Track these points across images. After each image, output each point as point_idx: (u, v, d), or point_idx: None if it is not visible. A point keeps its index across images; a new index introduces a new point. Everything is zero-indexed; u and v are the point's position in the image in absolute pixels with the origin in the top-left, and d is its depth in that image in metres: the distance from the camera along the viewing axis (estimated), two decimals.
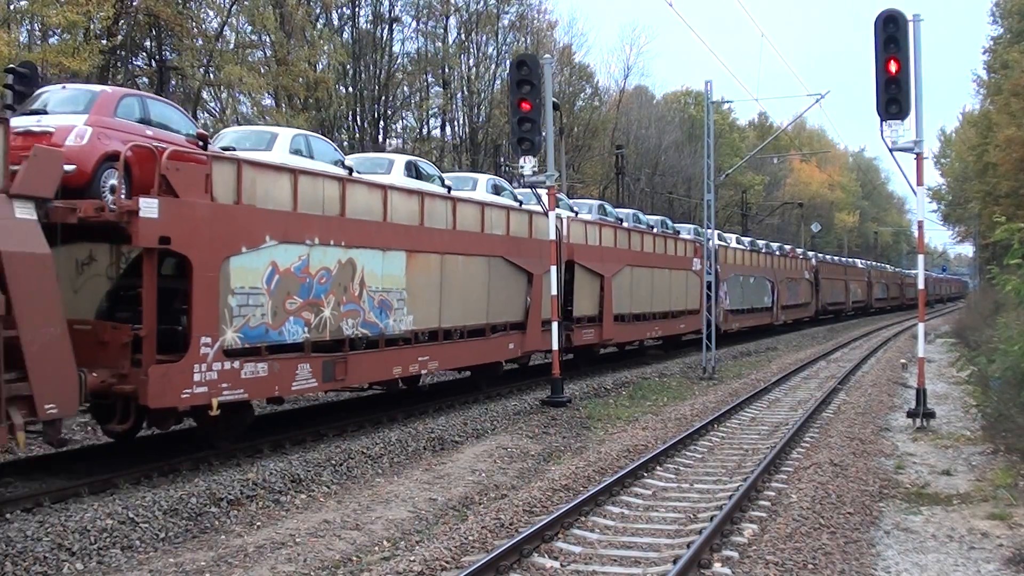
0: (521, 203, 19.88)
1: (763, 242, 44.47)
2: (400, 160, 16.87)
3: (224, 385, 11.11)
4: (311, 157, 14.05)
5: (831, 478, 10.86)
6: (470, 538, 8.45)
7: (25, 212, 8.97)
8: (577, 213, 22.98)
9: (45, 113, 11.01)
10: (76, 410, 9.67)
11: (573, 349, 22.16)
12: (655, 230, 28.26)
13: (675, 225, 32.85)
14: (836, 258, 62.85)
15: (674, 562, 7.63)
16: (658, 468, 11.85)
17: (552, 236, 18.43)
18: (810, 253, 53.43)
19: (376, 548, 8.77)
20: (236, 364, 11.33)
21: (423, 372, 15.99)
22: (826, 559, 7.81)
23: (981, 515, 9.46)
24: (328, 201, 13.09)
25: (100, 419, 11.46)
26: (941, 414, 16.18)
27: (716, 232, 34.81)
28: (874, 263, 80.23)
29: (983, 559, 8.04)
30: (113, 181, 10.60)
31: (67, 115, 10.86)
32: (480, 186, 19.50)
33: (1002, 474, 10.75)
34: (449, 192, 16.51)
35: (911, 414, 15.45)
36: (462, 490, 11.12)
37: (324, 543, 8.83)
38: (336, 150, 15.37)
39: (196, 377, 10.73)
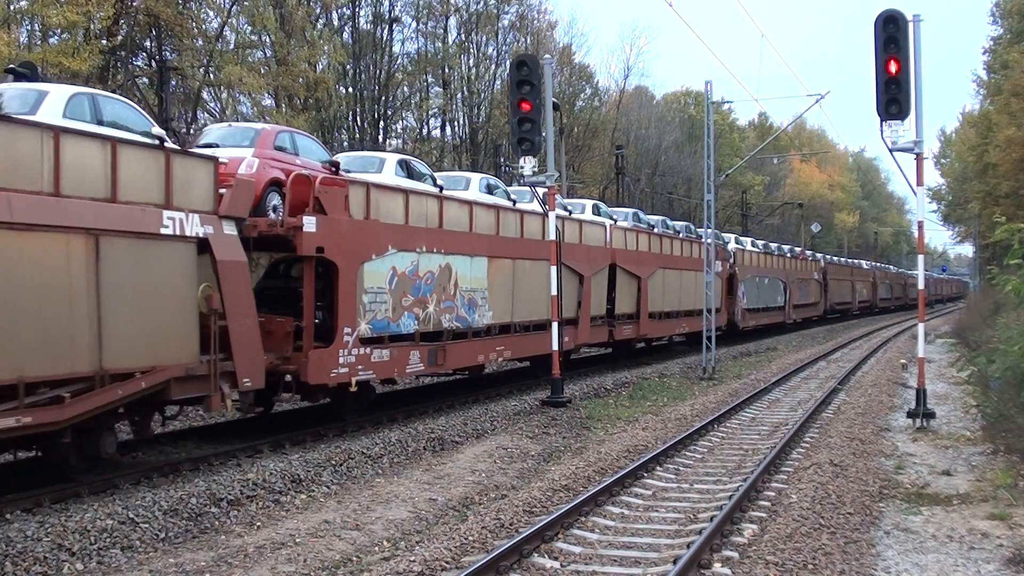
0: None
1: (775, 245, 46.82)
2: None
3: (360, 367, 13.78)
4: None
5: (831, 478, 10.86)
6: (470, 538, 8.45)
7: (230, 229, 11.52)
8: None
9: (217, 147, 13.20)
10: (262, 384, 11.93)
11: (614, 343, 24.73)
12: (680, 235, 30.84)
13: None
14: (843, 259, 65.36)
15: (674, 562, 7.63)
16: (658, 468, 11.85)
17: (552, 236, 18.46)
18: (819, 255, 55.39)
19: (376, 548, 8.77)
20: (367, 350, 13.99)
21: (499, 360, 18.44)
22: (826, 559, 7.81)
23: (981, 515, 9.46)
24: (429, 215, 15.77)
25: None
26: (941, 414, 16.18)
27: (733, 236, 39.56)
28: (878, 264, 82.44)
29: (983, 559, 8.04)
30: (276, 202, 13.12)
31: (236, 148, 13.21)
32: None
33: (1002, 474, 10.75)
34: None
35: (911, 414, 15.44)
36: (462, 490, 11.12)
37: (324, 543, 8.83)
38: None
39: (340, 360, 13.36)
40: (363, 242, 13.93)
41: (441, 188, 17.22)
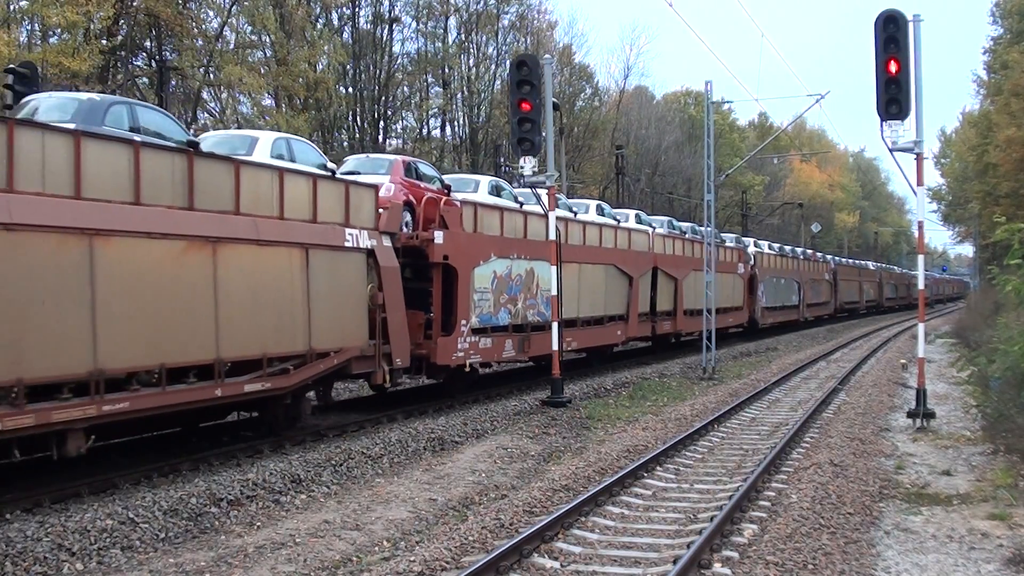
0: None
1: (789, 247, 50.06)
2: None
3: (471, 352, 16.99)
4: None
5: (831, 478, 10.86)
6: (470, 538, 8.45)
7: (387, 241, 14.69)
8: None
9: (358, 174, 16.13)
10: (408, 364, 15.13)
11: (655, 337, 27.79)
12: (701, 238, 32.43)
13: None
14: (851, 261, 68.09)
15: (674, 562, 7.63)
16: (658, 468, 11.84)
17: (552, 236, 18.48)
18: (828, 257, 58.13)
19: (376, 548, 8.77)
20: (476, 339, 17.12)
21: (568, 349, 20.88)
22: (826, 559, 7.81)
23: (981, 515, 9.45)
24: (518, 228, 18.93)
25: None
26: (941, 414, 16.18)
27: (752, 239, 42.61)
28: (884, 265, 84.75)
29: (983, 559, 8.04)
30: (407, 219, 15.89)
31: (375, 176, 16.23)
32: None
33: (1002, 474, 10.75)
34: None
35: (911, 414, 15.44)
36: (462, 490, 11.12)
37: (324, 543, 8.83)
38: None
39: (459, 346, 16.54)
40: (474, 251, 17.14)
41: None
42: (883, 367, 25.92)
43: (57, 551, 8.13)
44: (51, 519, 8.79)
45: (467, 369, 17.04)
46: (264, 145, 14.25)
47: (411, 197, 16.40)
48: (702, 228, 26.91)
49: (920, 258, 16.90)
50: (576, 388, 20.02)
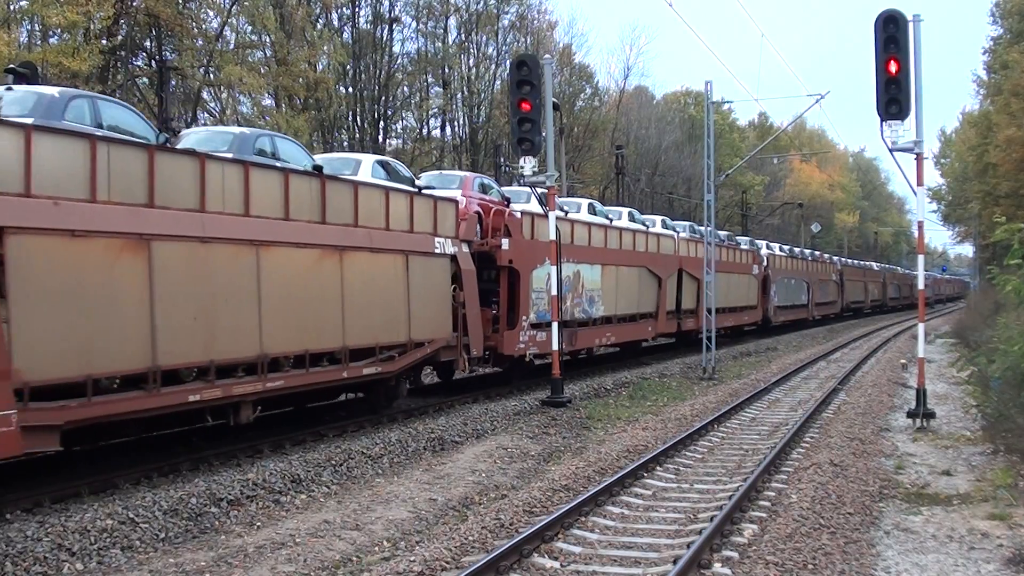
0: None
1: (799, 249, 52.90)
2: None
3: (531, 345, 19.25)
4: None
5: (831, 478, 10.85)
6: (470, 538, 8.45)
7: (465, 248, 17.05)
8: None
9: (434, 188, 17.88)
10: (482, 353, 17.53)
11: (679, 333, 29.44)
12: (726, 243, 35.54)
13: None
14: (857, 262, 70.45)
15: (674, 562, 7.63)
16: (658, 468, 11.84)
17: (552, 236, 18.51)
18: (835, 258, 60.27)
19: (376, 548, 8.77)
20: (534, 332, 19.31)
21: (606, 343, 24.05)
22: (826, 559, 7.81)
23: (981, 515, 9.45)
24: (565, 234, 20.72)
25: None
26: (941, 414, 16.18)
27: (764, 242, 44.56)
28: (888, 266, 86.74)
29: (983, 559, 8.03)
30: (478, 228, 17.87)
31: (448, 190, 18.31)
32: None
33: (1002, 474, 10.74)
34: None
35: (911, 414, 15.44)
36: (462, 490, 11.12)
37: (324, 543, 8.83)
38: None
39: (520, 339, 18.87)
40: (532, 255, 19.25)
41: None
42: (883, 367, 25.91)
43: (57, 551, 8.13)
44: (51, 519, 8.79)
45: (527, 360, 19.52)
46: (366, 166, 16.81)
47: (479, 209, 18.69)
48: (702, 228, 27.03)
49: (920, 258, 16.89)
50: (576, 388, 20.02)
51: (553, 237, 18.49)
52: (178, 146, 11.93)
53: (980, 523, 9.16)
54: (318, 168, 14.32)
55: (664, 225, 31.32)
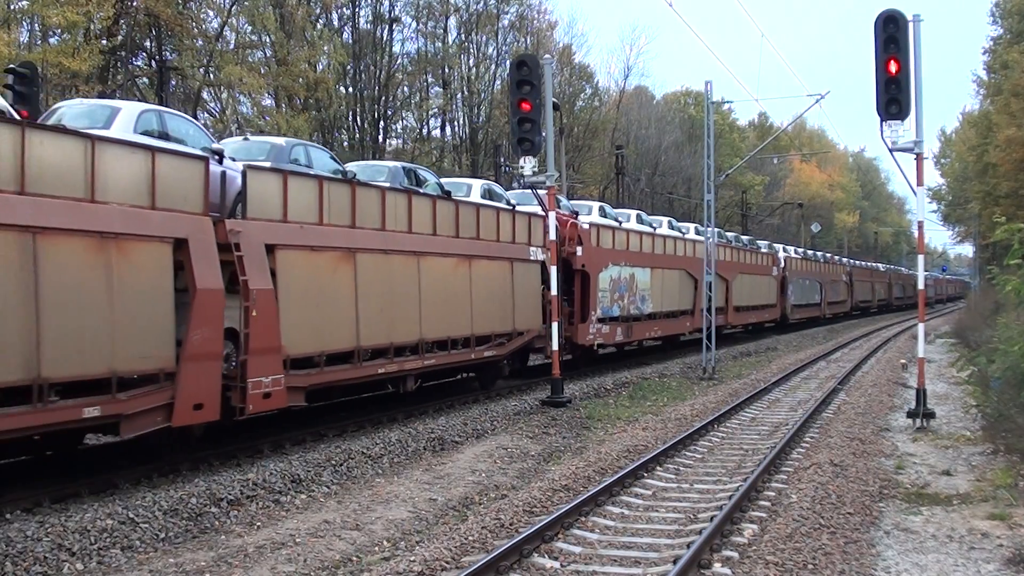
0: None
1: (811, 251, 56.63)
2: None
3: (598, 336, 22.83)
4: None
5: (831, 478, 10.85)
6: (470, 538, 8.44)
7: (543, 255, 19.94)
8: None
9: (518, 203, 21.14)
10: (562, 342, 19.75)
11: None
12: (747, 247, 39.25)
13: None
14: (864, 263, 73.98)
15: (674, 562, 7.63)
16: (658, 468, 11.84)
17: (552, 236, 18.53)
18: (845, 259, 64.08)
19: (376, 548, 8.77)
20: (600, 326, 22.83)
21: (654, 336, 27.63)
22: (826, 559, 7.80)
23: (981, 515, 9.45)
24: (622, 242, 24.67)
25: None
26: (941, 414, 16.17)
27: (780, 246, 47.65)
28: (893, 267, 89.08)
29: (983, 559, 8.03)
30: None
31: (530, 205, 20.71)
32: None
33: (1002, 474, 10.74)
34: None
35: (911, 414, 15.43)
36: (462, 490, 11.12)
37: (324, 543, 8.83)
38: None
39: (590, 331, 22.36)
40: (599, 260, 22.84)
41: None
42: (883, 367, 25.91)
43: (57, 551, 8.13)
44: (51, 519, 8.78)
45: (594, 349, 23.17)
46: (476, 189, 20.67)
47: (569, 223, 22.06)
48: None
49: (920, 258, 16.88)
50: (576, 388, 20.02)
51: (552, 237, 18.51)
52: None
53: (980, 523, 9.16)
54: (447, 192, 18.15)
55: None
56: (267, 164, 13.37)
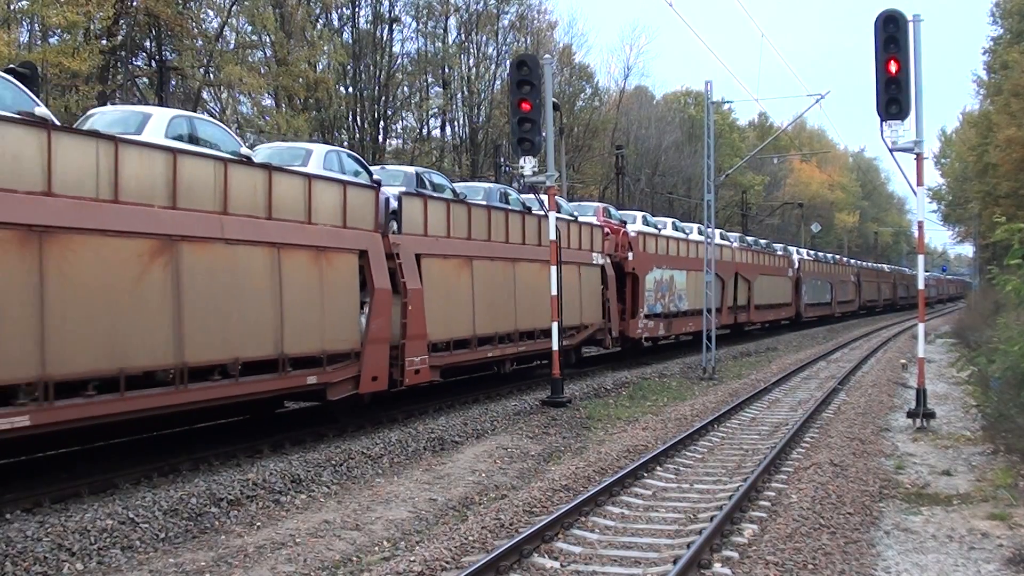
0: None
1: (821, 253, 59.35)
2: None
3: (644, 331, 26.25)
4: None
5: (831, 478, 10.85)
6: (470, 538, 8.44)
7: (607, 259, 23.92)
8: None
9: (576, 214, 24.03)
10: (617, 335, 24.64)
11: (735, 325, 35.86)
12: (766, 249, 42.43)
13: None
14: (871, 264, 77.38)
15: (674, 562, 7.63)
16: (658, 468, 11.84)
17: (552, 236, 18.47)
18: (853, 261, 67.07)
19: (376, 548, 8.77)
20: (646, 322, 26.26)
21: (690, 331, 29.92)
22: (826, 559, 7.80)
23: (981, 515, 9.45)
24: (662, 247, 28.15)
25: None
26: (941, 414, 16.17)
27: (794, 248, 52.00)
28: (898, 267, 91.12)
29: (983, 559, 8.03)
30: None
31: (587, 216, 24.71)
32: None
33: (1002, 474, 10.74)
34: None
35: (911, 414, 15.43)
36: (462, 490, 11.12)
37: (324, 543, 8.83)
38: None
39: (638, 326, 25.74)
40: (645, 264, 26.37)
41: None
42: (883, 367, 25.91)
43: (57, 551, 8.13)
44: (51, 519, 8.78)
45: (642, 341, 26.69)
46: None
47: (608, 230, 25.01)
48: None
49: (920, 258, 16.88)
50: (576, 388, 20.02)
51: (553, 237, 18.46)
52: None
53: (980, 523, 9.16)
54: (528, 208, 20.79)
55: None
56: (403, 188, 16.31)
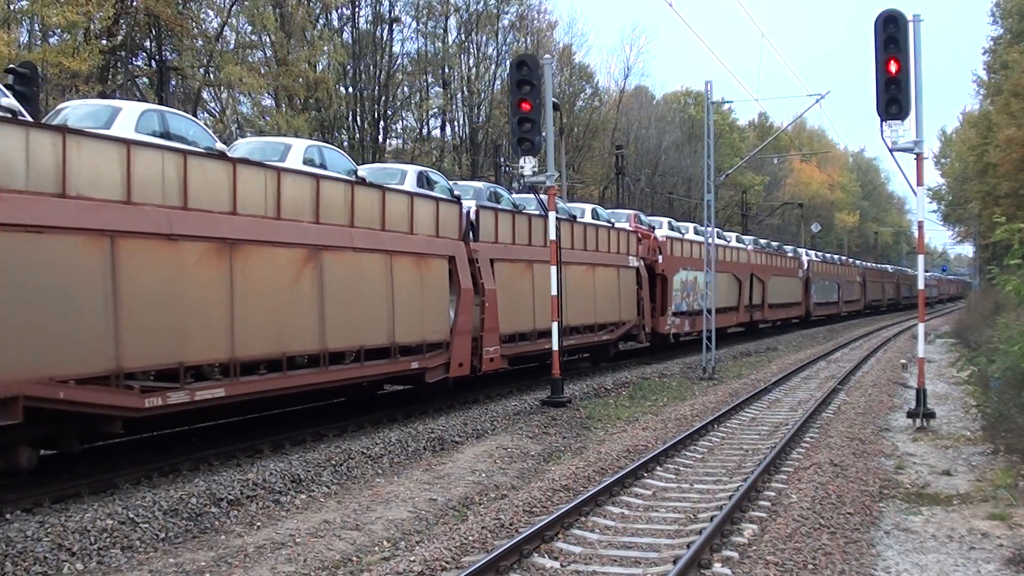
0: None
1: (829, 255, 61.28)
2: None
3: (672, 327, 28.24)
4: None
5: (831, 478, 10.85)
6: (470, 538, 8.44)
7: (641, 262, 26.50)
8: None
9: (612, 220, 26.52)
10: (650, 331, 27.20)
11: (751, 323, 38.21)
12: (777, 251, 44.59)
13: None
14: (876, 265, 79.65)
15: (674, 562, 7.63)
16: (658, 468, 11.84)
17: (552, 236, 18.48)
18: (858, 262, 69.32)
19: (376, 548, 8.77)
20: (674, 319, 28.28)
21: (710, 328, 29.98)
22: (826, 559, 7.80)
23: (981, 515, 9.45)
24: (686, 250, 30.16)
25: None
26: (941, 414, 16.17)
27: (804, 250, 55.28)
28: (900, 268, 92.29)
29: (983, 559, 8.03)
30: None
31: (621, 223, 26.95)
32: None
33: (1002, 474, 10.74)
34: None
35: (911, 414, 15.43)
36: (462, 490, 11.12)
37: (324, 543, 8.83)
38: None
39: (667, 323, 27.84)
40: (673, 266, 28.43)
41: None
42: (883, 367, 25.91)
43: (57, 551, 8.13)
44: (51, 519, 8.78)
45: (669, 337, 28.46)
46: (588, 211, 25.58)
47: (640, 235, 27.24)
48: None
49: (920, 258, 16.88)
50: (576, 388, 20.02)
51: (553, 237, 18.46)
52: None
53: (980, 523, 9.16)
54: (573, 217, 23.28)
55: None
56: (475, 201, 18.39)
